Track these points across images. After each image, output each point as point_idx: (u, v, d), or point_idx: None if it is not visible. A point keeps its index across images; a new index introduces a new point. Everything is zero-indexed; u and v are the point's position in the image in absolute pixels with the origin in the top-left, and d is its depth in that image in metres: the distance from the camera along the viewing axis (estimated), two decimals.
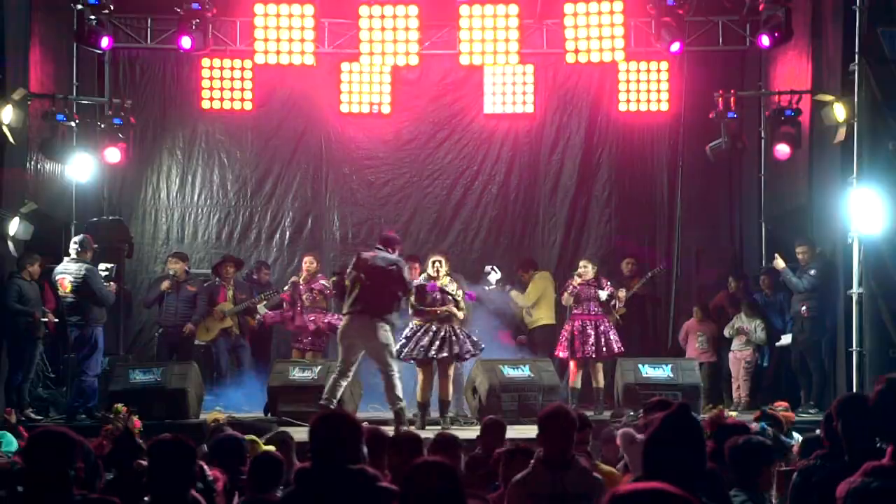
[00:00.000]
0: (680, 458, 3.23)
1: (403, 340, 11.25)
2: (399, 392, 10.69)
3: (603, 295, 12.14)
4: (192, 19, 12.97)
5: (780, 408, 10.00)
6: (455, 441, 6.39)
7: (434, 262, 11.44)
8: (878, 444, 4.12)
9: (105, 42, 12.79)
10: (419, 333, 11.23)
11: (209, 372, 13.07)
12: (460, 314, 11.41)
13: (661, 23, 12.92)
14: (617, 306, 12.55)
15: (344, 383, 10.75)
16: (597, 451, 7.42)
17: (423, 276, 11.58)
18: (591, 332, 12.06)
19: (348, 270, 11.07)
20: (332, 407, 10.14)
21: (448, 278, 11.48)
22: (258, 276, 13.98)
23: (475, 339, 11.54)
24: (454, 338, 11.26)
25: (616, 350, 12.13)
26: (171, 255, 13.77)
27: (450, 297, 11.37)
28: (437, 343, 11.16)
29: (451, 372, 11.40)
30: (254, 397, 12.50)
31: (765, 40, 12.55)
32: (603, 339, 12.06)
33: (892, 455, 3.25)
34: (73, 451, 4.15)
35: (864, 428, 4.21)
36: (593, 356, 12.05)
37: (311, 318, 13.03)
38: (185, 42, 12.98)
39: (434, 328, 11.24)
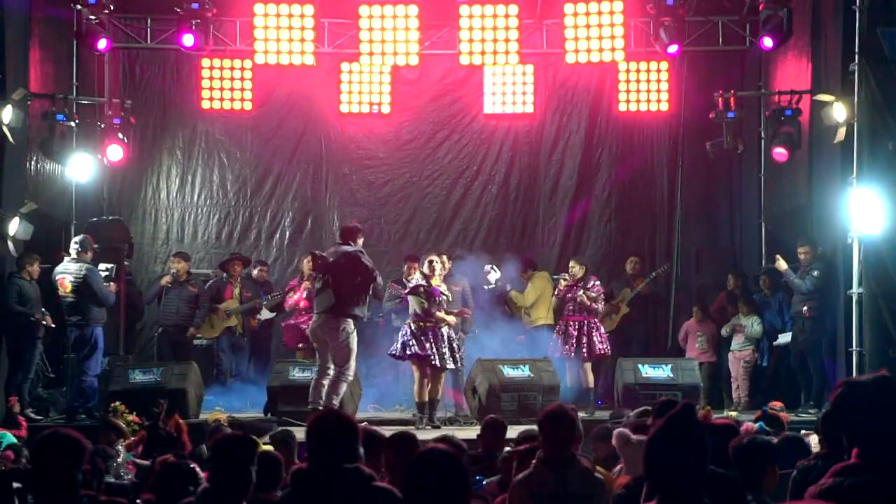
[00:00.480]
0: (683, 458, 3.23)
1: (410, 340, 11.13)
2: (338, 396, 10.62)
3: (583, 296, 11.96)
4: (192, 19, 12.96)
5: (777, 408, 10.02)
6: (458, 444, 6.36)
7: (430, 262, 11.36)
8: None
9: (102, 44, 12.78)
10: (423, 336, 11.13)
11: (210, 371, 13.08)
12: (450, 318, 11.38)
13: (660, 23, 12.91)
14: (599, 309, 12.35)
15: (325, 383, 10.68)
16: (588, 450, 7.37)
17: (417, 275, 11.50)
18: (573, 332, 11.94)
19: (311, 272, 11.02)
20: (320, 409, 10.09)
21: (439, 278, 11.42)
22: (257, 275, 13.97)
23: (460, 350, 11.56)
24: (453, 344, 11.26)
25: (598, 351, 11.97)
26: (174, 255, 13.82)
27: (444, 298, 11.34)
28: (444, 349, 11.14)
29: (443, 374, 11.38)
30: (254, 397, 12.50)
31: (767, 42, 12.55)
32: (585, 340, 11.92)
33: (857, 455, 3.26)
34: (80, 454, 4.16)
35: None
36: (572, 356, 11.94)
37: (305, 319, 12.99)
38: (187, 40, 12.96)
39: (438, 331, 11.18)
